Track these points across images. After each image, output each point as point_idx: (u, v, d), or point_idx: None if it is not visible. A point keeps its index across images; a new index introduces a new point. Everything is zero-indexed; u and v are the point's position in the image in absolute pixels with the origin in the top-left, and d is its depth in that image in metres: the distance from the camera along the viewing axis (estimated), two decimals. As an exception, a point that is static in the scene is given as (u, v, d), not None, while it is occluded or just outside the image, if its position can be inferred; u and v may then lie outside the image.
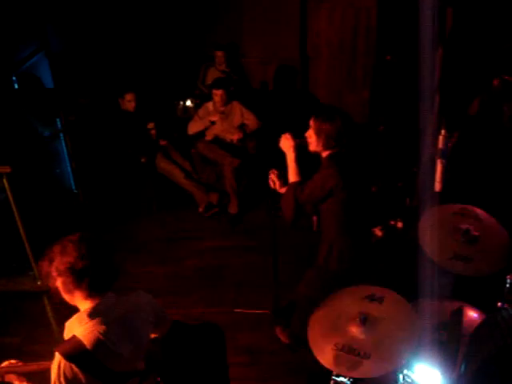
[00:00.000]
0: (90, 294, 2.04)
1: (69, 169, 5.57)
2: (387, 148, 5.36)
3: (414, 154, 4.69)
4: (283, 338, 3.69)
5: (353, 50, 6.81)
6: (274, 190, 3.25)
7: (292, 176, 3.09)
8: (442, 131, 3.09)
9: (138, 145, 5.48)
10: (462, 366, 1.88)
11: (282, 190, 3.18)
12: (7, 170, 3.83)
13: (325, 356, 2.31)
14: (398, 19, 6.16)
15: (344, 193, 2.96)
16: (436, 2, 5.28)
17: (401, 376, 2.52)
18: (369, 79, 6.89)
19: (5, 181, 3.84)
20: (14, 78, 4.90)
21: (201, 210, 5.47)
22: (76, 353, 1.95)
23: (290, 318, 3.71)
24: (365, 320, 2.37)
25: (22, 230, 4.07)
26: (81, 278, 1.99)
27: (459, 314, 2.30)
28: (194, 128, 5.61)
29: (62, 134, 5.40)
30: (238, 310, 4.04)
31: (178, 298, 4.23)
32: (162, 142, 5.65)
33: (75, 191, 5.62)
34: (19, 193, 4.04)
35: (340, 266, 3.16)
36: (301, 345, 3.47)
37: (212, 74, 6.27)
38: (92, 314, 2.02)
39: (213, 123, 5.52)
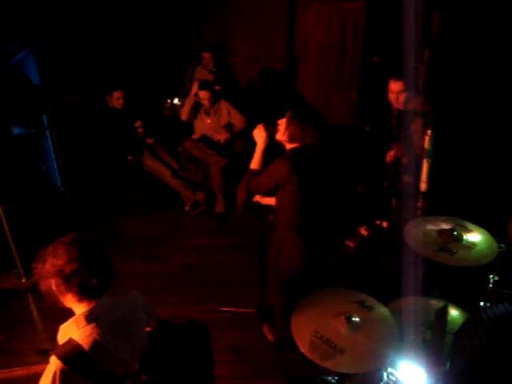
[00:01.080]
0: (83, 297, 2.02)
1: (55, 166, 5.53)
2: (373, 148, 5.40)
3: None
4: (269, 337, 3.71)
5: (340, 51, 6.86)
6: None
7: (254, 164, 3.12)
8: (428, 131, 3.12)
9: (124, 143, 5.46)
10: (447, 365, 1.90)
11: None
12: (-8, 166, 3.81)
13: (302, 339, 2.35)
14: (386, 21, 6.21)
15: (294, 188, 2.95)
16: (422, 5, 5.35)
17: (385, 374, 2.55)
18: (356, 80, 6.94)
19: (-10, 177, 3.82)
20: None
21: (187, 208, 5.48)
22: (74, 356, 1.91)
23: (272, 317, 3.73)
24: (349, 319, 2.40)
25: (6, 228, 4.04)
26: (71, 282, 1.97)
27: (444, 312, 2.32)
28: (184, 110, 5.58)
29: (48, 131, 5.36)
30: (224, 309, 4.04)
31: (164, 296, 4.23)
32: (149, 140, 5.63)
33: (61, 188, 5.58)
34: (3, 190, 4.01)
35: (289, 265, 3.15)
36: (287, 344, 3.50)
37: (200, 73, 6.27)
38: (89, 317, 2.01)
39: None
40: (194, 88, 5.47)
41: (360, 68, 6.83)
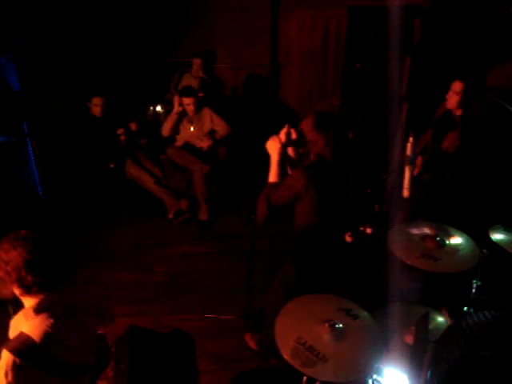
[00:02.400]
0: (31, 290, 2.04)
1: (36, 174, 5.46)
2: (356, 155, 5.42)
3: (383, 160, 4.77)
4: (252, 345, 3.68)
5: (323, 58, 6.88)
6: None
7: (272, 177, 3.10)
8: (410, 138, 3.14)
9: (105, 150, 5.42)
10: (428, 373, 1.90)
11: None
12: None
13: (285, 345, 2.32)
14: (368, 28, 6.26)
15: (312, 198, 2.97)
16: (405, 12, 5.40)
17: (370, 381, 2.55)
18: (339, 87, 6.97)
19: (-31, 186, 3.75)
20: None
21: (171, 216, 5.44)
22: (26, 348, 1.94)
23: (260, 324, 3.71)
24: (334, 327, 2.39)
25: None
26: (23, 274, 2.00)
27: (425, 319, 2.33)
28: (165, 127, 5.55)
29: (28, 139, 5.30)
30: (209, 316, 4.01)
31: (148, 305, 4.19)
32: (142, 140, 5.62)
33: (43, 197, 5.51)
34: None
35: (306, 270, 3.17)
36: (270, 352, 3.48)
37: (187, 80, 6.26)
38: (38, 310, 2.04)
39: (181, 115, 5.45)
40: (176, 106, 5.45)
41: (343, 74, 6.87)
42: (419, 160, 4.29)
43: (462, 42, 5.70)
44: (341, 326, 2.40)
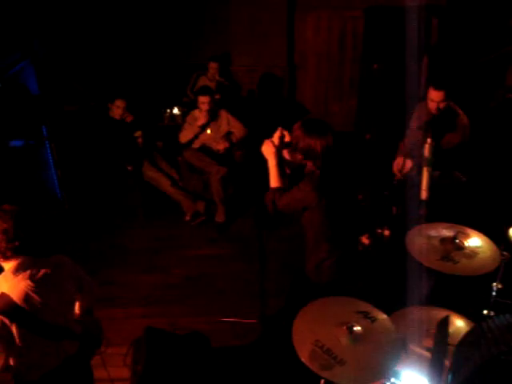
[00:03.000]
0: (8, 254, 2.21)
1: (54, 176, 5.51)
2: (374, 156, 5.38)
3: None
4: None
5: (340, 59, 6.86)
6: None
7: (273, 181, 3.08)
8: (428, 139, 3.10)
9: (124, 153, 5.45)
10: (449, 377, 1.87)
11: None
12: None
13: (303, 348, 2.31)
14: (385, 28, 6.21)
15: (322, 208, 2.95)
16: (421, 12, 5.35)
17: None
18: (355, 88, 6.94)
19: (-11, 189, 3.80)
20: (-1, 85, 4.85)
21: (188, 218, 5.45)
22: (6, 307, 2.12)
23: (276, 326, 3.69)
24: (351, 330, 2.36)
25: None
26: (7, 241, 2.19)
27: (445, 322, 2.29)
28: (185, 136, 5.57)
29: (47, 142, 5.35)
30: (225, 319, 4.01)
31: (165, 307, 4.20)
32: (159, 143, 5.65)
33: (61, 199, 5.56)
34: (3, 200, 3.99)
35: (323, 278, 3.14)
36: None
37: (203, 83, 6.28)
38: (16, 271, 2.22)
39: (202, 128, 5.48)
40: (202, 120, 5.46)
41: (359, 75, 6.84)
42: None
43: (481, 40, 5.64)
44: (358, 328, 2.38)
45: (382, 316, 2.55)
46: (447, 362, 2.13)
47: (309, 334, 2.39)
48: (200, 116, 5.45)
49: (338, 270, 3.12)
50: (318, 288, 3.17)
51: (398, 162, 4.42)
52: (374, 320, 2.50)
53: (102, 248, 4.98)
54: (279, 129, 3.03)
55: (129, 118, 5.52)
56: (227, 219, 5.38)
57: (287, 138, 3.00)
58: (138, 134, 5.57)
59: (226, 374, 3.53)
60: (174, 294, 4.38)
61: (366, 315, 2.53)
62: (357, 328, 2.38)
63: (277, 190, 3.04)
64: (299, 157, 2.97)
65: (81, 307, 2.57)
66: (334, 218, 3.02)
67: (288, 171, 3.12)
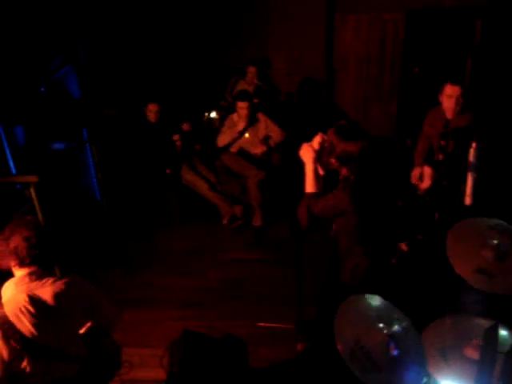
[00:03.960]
0: (30, 263, 2.28)
1: (94, 179, 5.61)
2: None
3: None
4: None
5: (380, 63, 6.77)
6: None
7: (309, 186, 3.05)
8: (473, 144, 3.02)
9: (162, 156, 5.51)
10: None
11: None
12: (34, 179, 3.88)
13: (344, 345, 2.28)
14: (426, 31, 6.10)
15: (357, 213, 2.92)
16: (464, 13, 5.23)
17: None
18: (396, 92, 6.83)
19: (32, 190, 3.88)
20: (42, 89, 4.97)
21: (225, 222, 5.46)
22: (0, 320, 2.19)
23: (312, 332, 3.65)
24: (391, 337, 2.31)
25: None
26: (29, 248, 2.24)
27: (494, 330, 2.20)
28: (223, 140, 5.59)
29: (88, 145, 5.45)
30: (261, 324, 3.98)
31: (201, 310, 4.21)
32: (197, 146, 5.69)
33: (100, 202, 5.65)
34: (45, 202, 4.08)
35: (357, 282, 3.09)
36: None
37: (241, 87, 6.29)
38: (21, 281, 2.27)
39: (241, 134, 5.50)
40: (241, 125, 5.48)
41: (400, 79, 6.73)
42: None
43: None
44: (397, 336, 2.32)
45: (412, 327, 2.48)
46: (496, 371, 2.07)
47: (349, 332, 2.35)
48: (238, 121, 5.47)
49: (372, 274, 3.07)
50: (352, 292, 3.13)
51: (416, 173, 4.35)
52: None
53: (140, 250, 5.04)
54: (319, 134, 3.00)
55: (185, 127, 5.61)
56: (264, 223, 5.36)
57: (327, 144, 2.97)
58: (176, 137, 5.62)
59: (262, 378, 3.50)
60: (211, 297, 4.39)
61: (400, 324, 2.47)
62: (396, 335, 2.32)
63: (312, 195, 3.02)
64: (334, 162, 2.94)
65: (88, 329, 2.55)
66: (368, 222, 2.98)
67: (322, 172, 3.08)
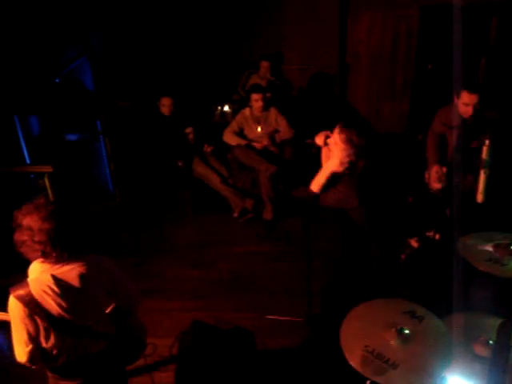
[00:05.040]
0: (47, 257, 2.22)
1: (107, 170, 5.66)
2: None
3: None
4: None
5: (393, 59, 6.75)
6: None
7: (316, 187, 3.06)
8: (486, 141, 3.02)
9: (175, 148, 5.54)
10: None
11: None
12: (49, 169, 3.92)
13: (353, 355, 2.30)
14: (441, 27, 6.07)
15: (363, 209, 2.94)
16: (480, 10, 5.20)
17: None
18: (408, 88, 6.81)
19: (46, 180, 3.93)
20: (57, 81, 5.02)
21: (236, 215, 5.48)
22: (25, 296, 2.18)
23: (322, 326, 3.67)
24: (401, 332, 2.33)
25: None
26: (47, 239, 2.16)
27: (507, 327, 2.21)
28: (229, 139, 5.63)
29: (101, 136, 5.50)
30: (270, 317, 4.01)
31: (210, 301, 4.24)
32: (208, 149, 5.72)
33: (113, 192, 5.70)
34: (59, 192, 4.12)
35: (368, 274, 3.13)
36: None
37: (254, 81, 6.30)
38: (43, 263, 2.24)
39: (250, 141, 5.57)
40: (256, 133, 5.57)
41: (413, 76, 6.71)
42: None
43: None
44: (407, 331, 2.34)
45: (429, 314, 2.51)
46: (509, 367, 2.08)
47: (357, 340, 2.37)
48: (250, 117, 5.50)
49: (381, 269, 3.09)
50: (362, 286, 3.16)
51: (432, 174, 4.32)
52: (421, 319, 2.46)
53: (151, 241, 5.08)
54: (323, 132, 3.02)
55: (191, 136, 5.64)
56: (275, 217, 5.38)
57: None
58: (188, 130, 5.66)
59: (269, 370, 3.53)
60: (220, 289, 4.42)
61: (412, 315, 2.50)
62: (406, 331, 2.34)
63: (313, 194, 3.03)
64: (354, 156, 2.96)
65: (113, 309, 2.55)
66: (376, 217, 2.99)
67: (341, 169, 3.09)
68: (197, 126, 5.72)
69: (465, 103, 3.81)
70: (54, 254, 2.19)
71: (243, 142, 5.54)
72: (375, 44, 6.77)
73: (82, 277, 2.27)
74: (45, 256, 2.20)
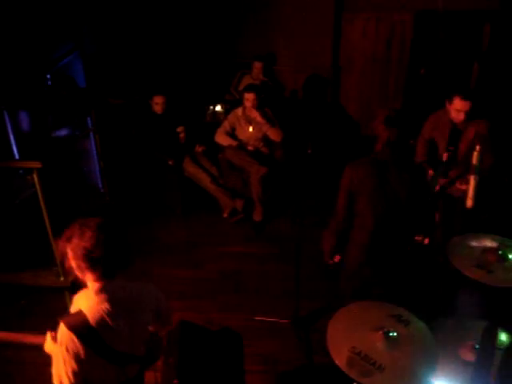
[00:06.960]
0: (100, 276, 2.12)
1: (97, 168, 5.61)
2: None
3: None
4: None
5: (386, 62, 6.76)
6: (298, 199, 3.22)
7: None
8: (477, 147, 3.02)
9: (165, 147, 5.51)
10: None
11: None
12: (38, 165, 3.88)
13: (339, 356, 2.29)
14: (434, 33, 6.10)
15: (367, 194, 2.96)
16: (474, 17, 5.22)
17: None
18: (401, 92, 6.83)
19: (35, 176, 3.89)
20: (48, 76, 4.98)
21: (225, 215, 5.47)
22: (79, 326, 2.06)
23: (309, 328, 3.66)
24: (388, 335, 2.33)
25: (48, 226, 4.11)
26: (94, 264, 2.07)
27: (492, 330, 2.22)
28: (221, 139, 5.62)
29: (91, 133, 5.45)
30: (258, 318, 4.00)
31: (198, 301, 4.23)
32: (199, 149, 5.70)
33: (102, 191, 5.65)
34: (47, 188, 4.08)
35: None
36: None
37: (247, 82, 6.29)
38: (98, 292, 2.12)
39: (241, 143, 5.55)
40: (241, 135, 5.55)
41: (406, 80, 6.72)
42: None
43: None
44: (395, 334, 2.34)
45: (414, 318, 2.51)
46: (493, 371, 2.08)
47: (344, 341, 2.37)
48: (242, 117, 5.48)
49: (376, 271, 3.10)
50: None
51: None
52: (407, 323, 2.47)
53: (139, 240, 5.04)
54: None
55: (182, 135, 5.62)
56: (264, 218, 5.38)
57: None
58: (180, 129, 5.63)
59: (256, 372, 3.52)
60: (208, 289, 4.40)
61: (398, 319, 2.49)
62: (393, 333, 2.34)
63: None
64: None
65: (151, 333, 2.45)
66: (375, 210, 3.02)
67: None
68: (188, 126, 5.70)
69: (456, 109, 3.82)
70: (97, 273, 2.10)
71: (235, 143, 5.53)
72: (369, 47, 6.78)
73: (134, 303, 2.22)
74: (100, 270, 2.10)
